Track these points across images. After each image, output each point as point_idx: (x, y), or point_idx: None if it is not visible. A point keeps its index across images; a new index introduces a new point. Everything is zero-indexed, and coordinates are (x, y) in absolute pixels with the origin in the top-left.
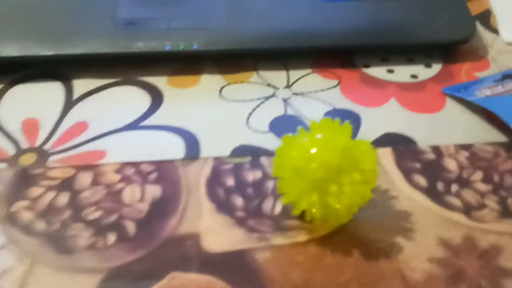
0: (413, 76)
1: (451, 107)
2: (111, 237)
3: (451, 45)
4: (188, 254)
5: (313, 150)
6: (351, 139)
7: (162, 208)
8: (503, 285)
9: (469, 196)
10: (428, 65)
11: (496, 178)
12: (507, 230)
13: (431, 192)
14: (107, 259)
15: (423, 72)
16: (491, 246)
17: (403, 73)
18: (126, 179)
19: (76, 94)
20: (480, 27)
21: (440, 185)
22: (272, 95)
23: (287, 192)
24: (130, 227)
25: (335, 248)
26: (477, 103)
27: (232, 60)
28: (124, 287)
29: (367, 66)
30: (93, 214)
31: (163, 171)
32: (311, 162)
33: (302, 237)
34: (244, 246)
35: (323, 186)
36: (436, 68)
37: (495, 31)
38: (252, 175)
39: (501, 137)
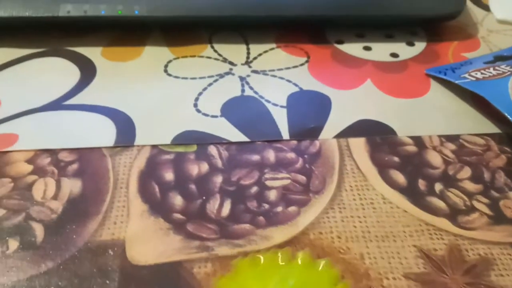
0: (393, 55)
1: (436, 92)
2: (13, 244)
3: (436, 21)
4: (109, 268)
5: None
6: None
7: (80, 208)
8: None
9: (456, 197)
10: (410, 43)
11: (487, 176)
12: (500, 239)
13: (410, 192)
14: (4, 272)
15: (405, 50)
16: (481, 258)
17: (381, 51)
18: (39, 171)
19: None
20: (469, 3)
21: (421, 184)
22: (228, 73)
23: None
24: (38, 231)
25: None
26: (466, 87)
27: (182, 30)
28: None
29: (340, 42)
30: None
31: (87, 161)
32: None
33: (253, 246)
34: (180, 257)
35: None
36: (420, 46)
37: (485, 7)
38: (196, 168)
39: (493, 128)
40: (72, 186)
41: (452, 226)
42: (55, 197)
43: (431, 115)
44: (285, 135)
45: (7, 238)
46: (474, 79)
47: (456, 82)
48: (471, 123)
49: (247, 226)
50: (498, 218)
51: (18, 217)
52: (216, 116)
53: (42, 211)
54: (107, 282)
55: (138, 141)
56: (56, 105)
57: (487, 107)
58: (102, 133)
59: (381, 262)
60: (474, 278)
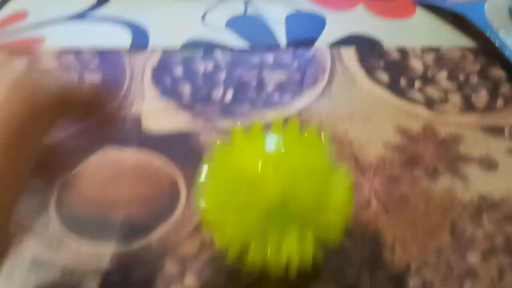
0: None
1: (421, 14)
2: None
3: None
4: (127, 133)
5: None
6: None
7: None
8: (460, 169)
9: (433, 92)
10: None
11: (461, 77)
12: (469, 122)
13: (393, 87)
14: None
15: None
16: (451, 135)
17: None
18: (63, 66)
19: None
20: None
21: (403, 82)
22: None
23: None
24: None
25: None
26: (448, 8)
27: None
28: (50, 164)
29: None
30: None
31: (106, 59)
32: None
33: (251, 121)
34: (188, 128)
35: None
36: None
37: None
38: (202, 66)
39: (470, 43)
40: (93, 77)
41: (428, 111)
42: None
43: (416, 33)
44: (283, 46)
45: None
46: (454, 1)
47: (439, 5)
48: (450, 39)
49: (246, 108)
50: (469, 107)
51: None
52: (221, 28)
53: None
54: (126, 145)
55: (152, 46)
56: (78, 16)
57: (466, 27)
58: (119, 39)
59: (363, 136)
60: (444, 149)
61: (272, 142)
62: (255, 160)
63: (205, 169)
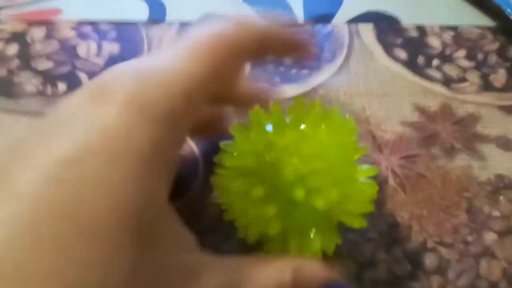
0: None
1: None
2: (62, 86)
3: None
4: None
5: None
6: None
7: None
8: (477, 148)
9: (451, 70)
10: None
11: (480, 56)
12: (487, 101)
13: (411, 64)
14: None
15: None
16: (469, 114)
17: None
18: (82, 36)
19: None
20: None
21: (421, 59)
22: None
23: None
24: (84, 78)
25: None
26: None
27: None
28: None
29: None
30: (43, 64)
31: (123, 31)
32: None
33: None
34: None
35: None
36: None
37: None
38: None
39: (489, 22)
40: (111, 48)
41: (445, 90)
42: (97, 55)
43: (434, 11)
44: (301, 21)
45: (56, 82)
46: None
47: None
48: (470, 18)
49: (264, 83)
50: (487, 87)
51: (65, 68)
52: (239, 3)
53: (86, 64)
54: None
55: (168, 20)
56: None
57: (485, 6)
58: (137, 12)
59: (380, 113)
60: (462, 127)
61: (294, 125)
62: (276, 148)
63: (224, 153)
